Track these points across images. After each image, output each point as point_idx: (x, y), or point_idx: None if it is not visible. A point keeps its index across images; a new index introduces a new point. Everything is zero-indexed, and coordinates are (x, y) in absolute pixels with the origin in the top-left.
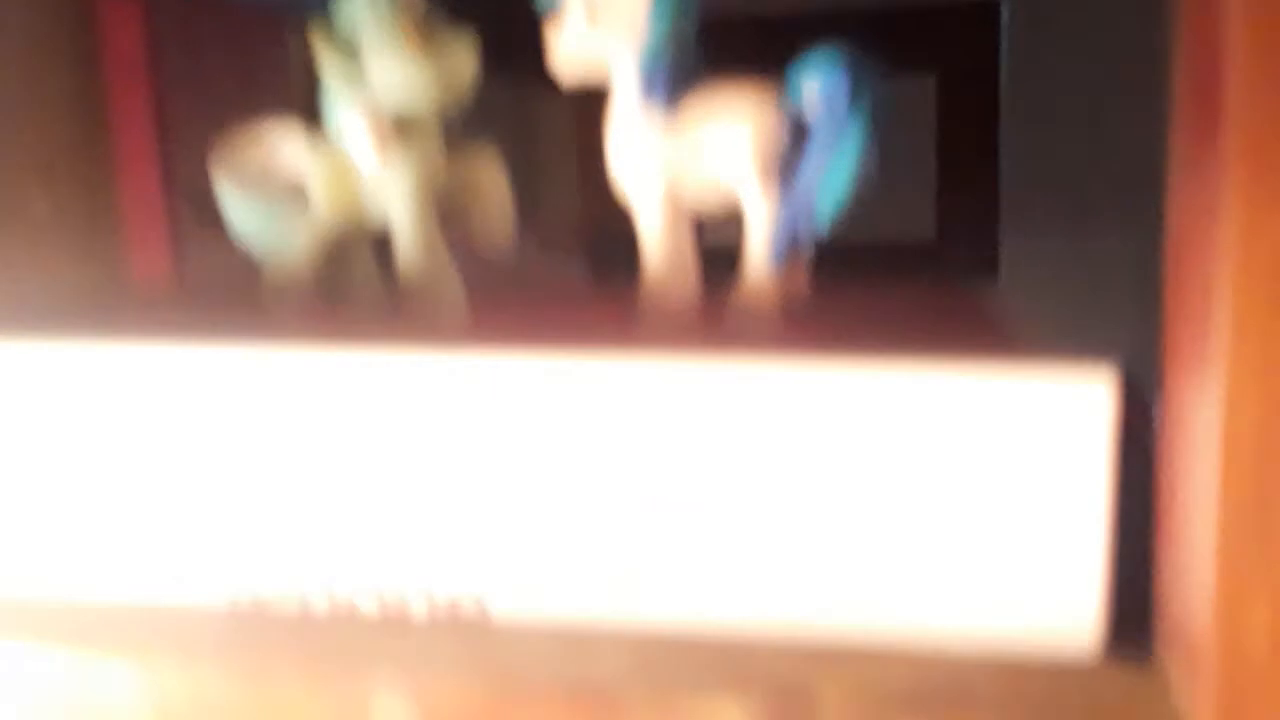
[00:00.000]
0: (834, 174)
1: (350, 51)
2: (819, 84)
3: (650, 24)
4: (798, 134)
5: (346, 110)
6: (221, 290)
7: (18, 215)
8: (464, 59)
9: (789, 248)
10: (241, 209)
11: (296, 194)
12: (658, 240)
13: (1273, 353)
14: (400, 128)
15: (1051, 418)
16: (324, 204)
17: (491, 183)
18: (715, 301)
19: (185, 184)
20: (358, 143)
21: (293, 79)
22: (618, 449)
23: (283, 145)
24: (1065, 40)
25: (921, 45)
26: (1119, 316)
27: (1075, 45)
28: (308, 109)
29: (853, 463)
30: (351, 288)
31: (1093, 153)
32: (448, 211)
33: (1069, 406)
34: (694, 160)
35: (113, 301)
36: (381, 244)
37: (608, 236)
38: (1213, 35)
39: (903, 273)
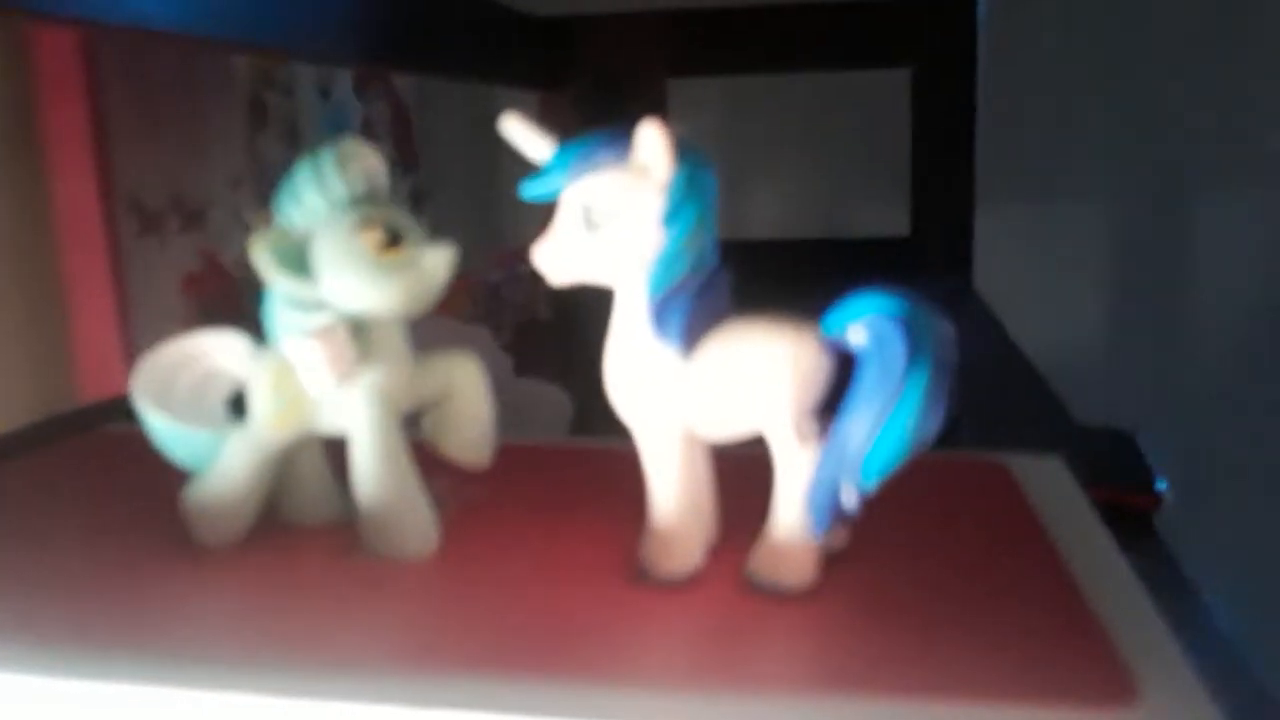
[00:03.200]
0: (889, 431)
1: (299, 255)
2: (868, 329)
3: (663, 237)
4: (840, 377)
5: (295, 318)
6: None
7: None
8: (436, 267)
9: (830, 512)
10: (165, 430)
11: (236, 403)
12: (666, 489)
13: None
14: (360, 337)
15: None
16: (268, 419)
17: (469, 393)
18: (732, 565)
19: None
20: (308, 358)
21: (240, 82)
22: None
23: (218, 352)
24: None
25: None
26: (1085, 305)
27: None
28: (253, 113)
29: None
30: (300, 504)
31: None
32: (419, 423)
33: None
34: (714, 397)
35: None
36: (335, 448)
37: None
38: None
39: (878, 269)
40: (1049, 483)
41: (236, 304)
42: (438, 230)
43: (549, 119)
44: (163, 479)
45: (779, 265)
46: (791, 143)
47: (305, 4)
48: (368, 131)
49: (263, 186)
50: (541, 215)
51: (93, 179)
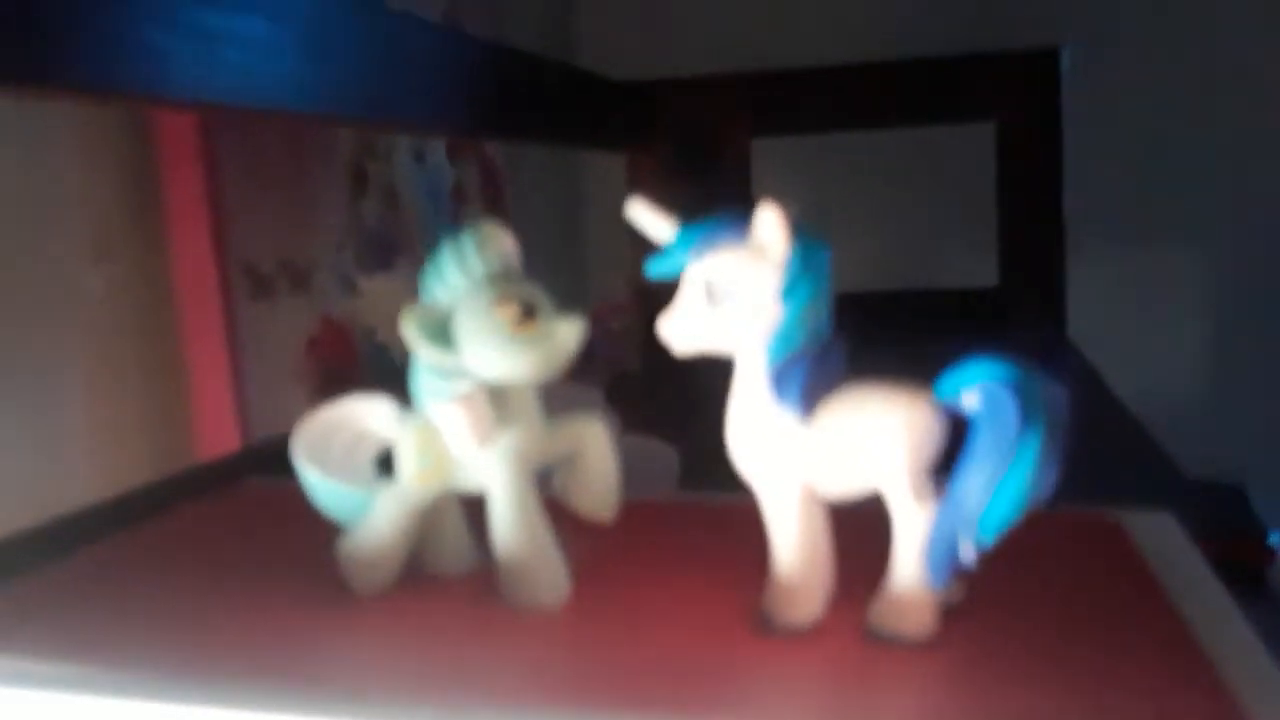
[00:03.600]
0: (1005, 490)
1: (442, 327)
2: (982, 395)
3: (781, 317)
4: (955, 438)
5: (439, 384)
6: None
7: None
8: (567, 338)
9: (948, 566)
10: (322, 486)
11: (381, 465)
12: (788, 543)
13: None
14: (498, 401)
15: None
16: (413, 478)
17: (597, 452)
18: (851, 618)
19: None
20: (452, 423)
21: (343, 151)
22: None
23: (368, 416)
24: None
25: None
26: (1190, 364)
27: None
28: (355, 180)
29: None
30: (441, 554)
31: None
32: (550, 482)
33: None
34: (834, 459)
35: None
36: (474, 506)
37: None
38: None
39: (969, 318)
40: (1161, 538)
41: (354, 361)
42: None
43: (636, 179)
44: (302, 529)
45: (873, 316)
46: (878, 197)
47: (406, 81)
48: (460, 195)
49: (363, 248)
50: (625, 275)
51: (209, 245)
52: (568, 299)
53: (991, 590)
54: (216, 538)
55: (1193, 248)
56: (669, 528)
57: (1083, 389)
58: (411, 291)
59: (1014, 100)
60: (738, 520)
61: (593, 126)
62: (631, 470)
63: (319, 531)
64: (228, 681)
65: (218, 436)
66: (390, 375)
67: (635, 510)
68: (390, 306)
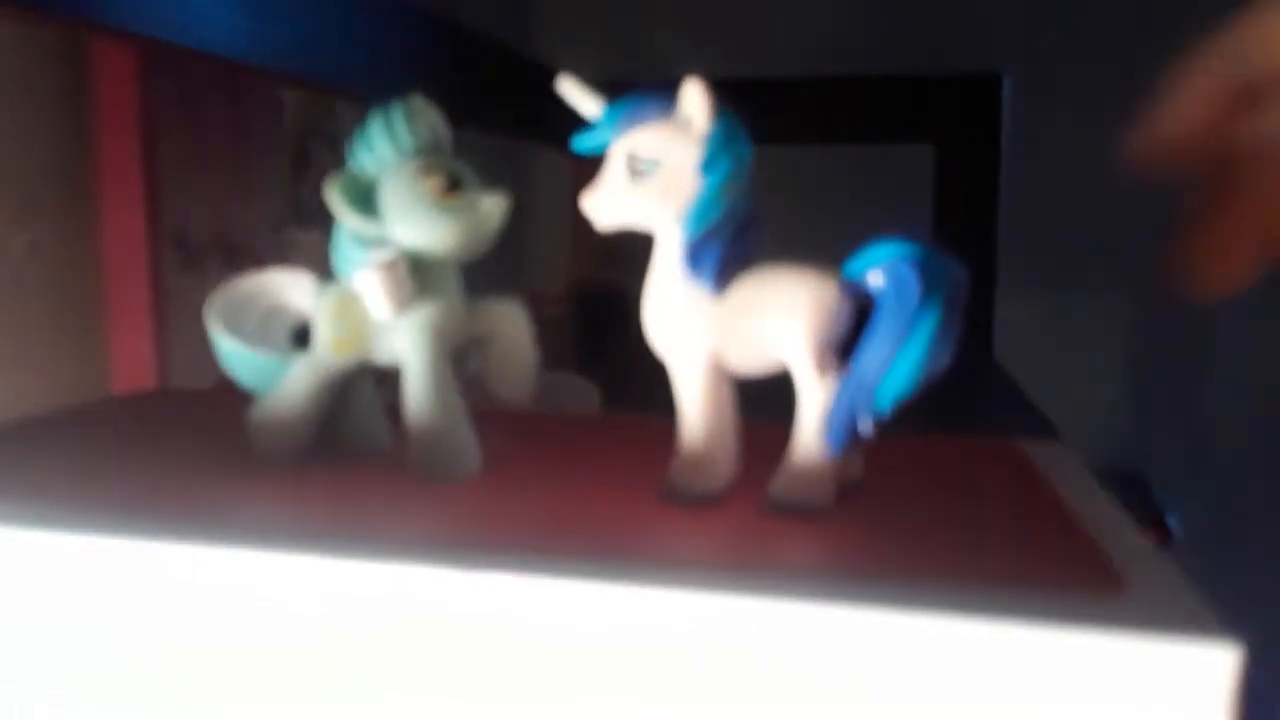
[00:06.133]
0: (903, 362)
1: (367, 194)
2: (886, 272)
3: (699, 190)
4: (859, 314)
5: (360, 254)
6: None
7: None
8: (492, 211)
9: (847, 435)
10: (234, 354)
11: (296, 334)
12: (695, 414)
13: None
14: (418, 272)
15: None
16: (329, 346)
17: (514, 334)
18: (755, 495)
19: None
20: (371, 288)
21: (287, 131)
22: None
23: (287, 287)
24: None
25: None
26: (1109, 383)
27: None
28: (297, 161)
29: None
30: (353, 432)
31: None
32: (465, 360)
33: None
34: (743, 332)
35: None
36: (387, 380)
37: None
38: None
39: None
40: (1059, 462)
41: None
42: (469, 281)
43: (580, 178)
44: (219, 417)
45: None
46: (814, 213)
47: (354, 45)
48: None
49: (300, 231)
50: (562, 267)
51: (141, 210)
52: (505, 288)
53: (892, 481)
54: (130, 421)
55: (1115, 286)
56: (585, 435)
57: (1005, 401)
58: None
59: (953, 124)
60: (654, 433)
61: (540, 121)
62: (556, 401)
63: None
64: (130, 518)
65: None
66: None
67: (553, 422)
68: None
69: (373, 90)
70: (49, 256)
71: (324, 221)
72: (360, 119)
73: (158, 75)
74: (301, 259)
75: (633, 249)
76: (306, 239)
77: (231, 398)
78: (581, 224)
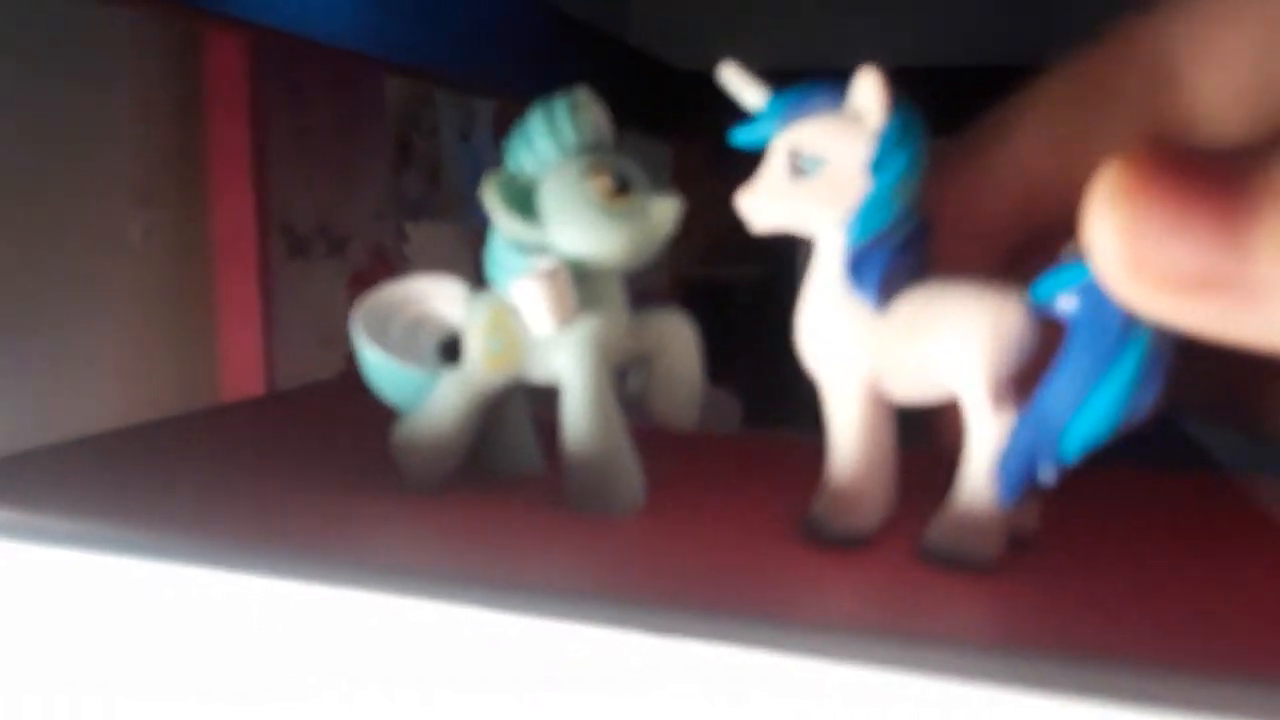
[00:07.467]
0: (1097, 401)
1: (526, 196)
2: (1081, 295)
3: (867, 192)
4: (1045, 346)
5: (518, 261)
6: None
7: (115, 240)
8: (663, 217)
9: (1022, 483)
10: (380, 366)
11: (447, 349)
12: (848, 443)
13: None
14: (582, 282)
15: None
16: (481, 362)
17: (681, 351)
18: (910, 538)
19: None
20: (531, 300)
21: (389, 122)
22: None
23: (435, 295)
24: None
25: None
26: None
27: None
28: (402, 151)
29: None
30: (503, 454)
31: None
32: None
33: None
34: (908, 355)
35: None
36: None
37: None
38: None
39: None
40: None
41: None
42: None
43: (682, 169)
44: (358, 428)
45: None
46: None
47: (453, 35)
48: None
49: (402, 220)
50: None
51: (250, 199)
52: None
53: (1071, 530)
54: (260, 429)
55: None
56: (733, 456)
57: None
58: (457, 238)
59: None
60: (806, 454)
61: (643, 110)
62: (703, 419)
63: (378, 432)
64: (265, 550)
65: (242, 387)
66: None
67: (701, 441)
68: (435, 252)
69: (471, 76)
70: (164, 242)
71: (430, 213)
72: (459, 110)
73: (266, 64)
74: (414, 251)
75: (738, 241)
76: (416, 230)
77: (345, 403)
78: (685, 217)
